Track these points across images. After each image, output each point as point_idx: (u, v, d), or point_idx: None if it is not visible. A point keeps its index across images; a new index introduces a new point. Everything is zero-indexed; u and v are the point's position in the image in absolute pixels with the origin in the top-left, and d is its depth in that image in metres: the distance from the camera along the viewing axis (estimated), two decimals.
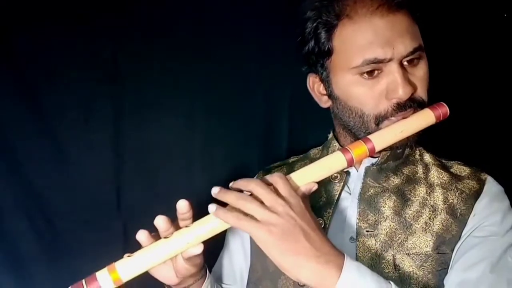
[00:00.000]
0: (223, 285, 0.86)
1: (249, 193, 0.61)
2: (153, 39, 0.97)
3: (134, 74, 0.96)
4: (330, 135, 0.84)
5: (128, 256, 0.62)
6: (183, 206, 0.64)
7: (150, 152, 0.98)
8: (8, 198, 0.90)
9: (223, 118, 1.02)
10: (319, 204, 0.77)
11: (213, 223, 0.62)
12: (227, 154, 1.02)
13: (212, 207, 0.61)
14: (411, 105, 0.69)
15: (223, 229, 0.62)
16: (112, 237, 0.96)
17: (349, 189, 0.78)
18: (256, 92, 1.02)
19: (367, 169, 0.76)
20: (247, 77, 1.02)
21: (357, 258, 0.71)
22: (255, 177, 0.91)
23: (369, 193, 0.74)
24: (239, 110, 1.02)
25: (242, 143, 1.03)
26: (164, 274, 0.68)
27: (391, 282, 0.60)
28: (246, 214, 0.59)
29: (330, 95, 0.76)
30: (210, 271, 0.78)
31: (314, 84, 0.79)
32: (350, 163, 0.66)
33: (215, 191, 0.62)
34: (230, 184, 0.64)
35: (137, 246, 0.64)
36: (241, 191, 0.62)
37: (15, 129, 0.91)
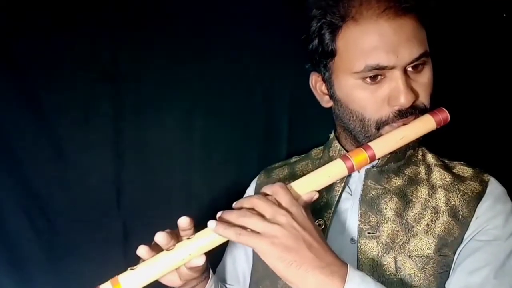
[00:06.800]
0: (227, 285, 0.87)
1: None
2: (153, 39, 0.96)
3: (134, 74, 0.96)
4: (332, 135, 0.84)
5: (131, 269, 0.62)
6: (184, 222, 0.63)
7: (150, 152, 0.98)
8: (8, 198, 0.90)
9: (223, 118, 1.01)
10: (320, 205, 0.76)
11: (215, 234, 0.61)
12: (227, 154, 1.02)
13: (211, 224, 0.60)
14: (413, 112, 0.68)
15: (226, 240, 0.62)
16: (112, 237, 0.96)
17: (350, 190, 0.77)
18: (256, 92, 1.02)
19: (367, 171, 0.76)
20: (247, 77, 1.01)
21: (358, 260, 0.70)
22: (257, 177, 0.91)
23: (371, 194, 0.74)
24: (239, 110, 1.02)
25: (242, 143, 1.03)
26: (167, 278, 0.68)
27: None
28: (247, 229, 0.59)
29: (332, 96, 0.75)
30: (214, 271, 0.78)
31: (316, 83, 0.78)
32: (351, 171, 0.66)
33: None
34: (233, 205, 0.63)
35: (136, 247, 0.64)
36: None
37: (15, 129, 0.91)
